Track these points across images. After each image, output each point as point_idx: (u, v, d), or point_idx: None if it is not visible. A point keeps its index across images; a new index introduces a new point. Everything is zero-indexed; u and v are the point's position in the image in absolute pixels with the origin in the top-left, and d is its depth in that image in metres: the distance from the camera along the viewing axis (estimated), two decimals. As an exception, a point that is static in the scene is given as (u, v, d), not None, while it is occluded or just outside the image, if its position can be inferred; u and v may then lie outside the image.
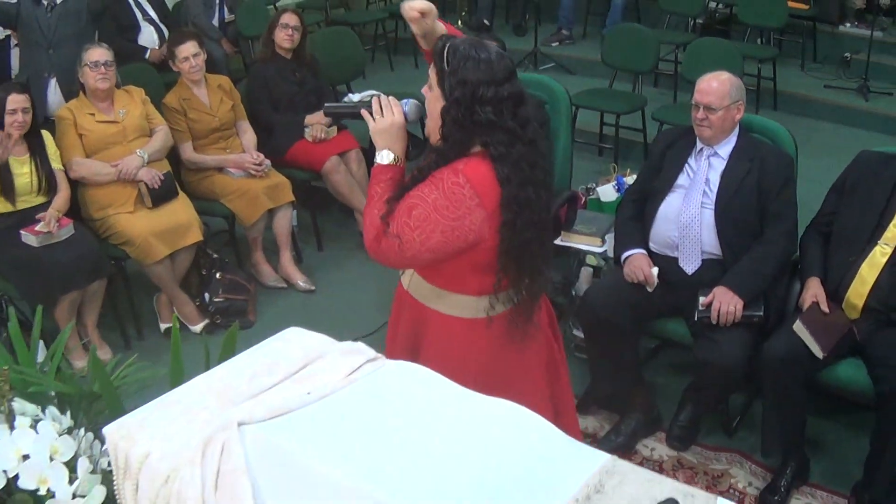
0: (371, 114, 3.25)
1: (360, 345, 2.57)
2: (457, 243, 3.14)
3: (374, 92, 8.04)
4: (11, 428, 2.62)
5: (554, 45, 10.78)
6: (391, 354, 2.69)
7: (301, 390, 2.32)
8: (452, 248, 3.15)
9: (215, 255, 6.55)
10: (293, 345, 2.59)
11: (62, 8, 7.18)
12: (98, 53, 6.19)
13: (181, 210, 6.28)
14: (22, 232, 5.73)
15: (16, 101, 5.78)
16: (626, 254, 5.06)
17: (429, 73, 3.22)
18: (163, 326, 6.41)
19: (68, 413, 2.80)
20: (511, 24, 11.74)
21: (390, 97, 3.29)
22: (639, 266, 4.93)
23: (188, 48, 6.60)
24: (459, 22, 11.96)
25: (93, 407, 2.99)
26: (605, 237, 5.60)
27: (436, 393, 2.36)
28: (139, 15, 8.95)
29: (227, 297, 6.32)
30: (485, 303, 3.35)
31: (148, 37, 8.94)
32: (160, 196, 6.19)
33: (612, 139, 8.33)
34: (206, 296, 6.41)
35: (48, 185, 5.95)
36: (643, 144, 8.28)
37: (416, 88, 8.52)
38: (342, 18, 11.41)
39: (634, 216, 5.17)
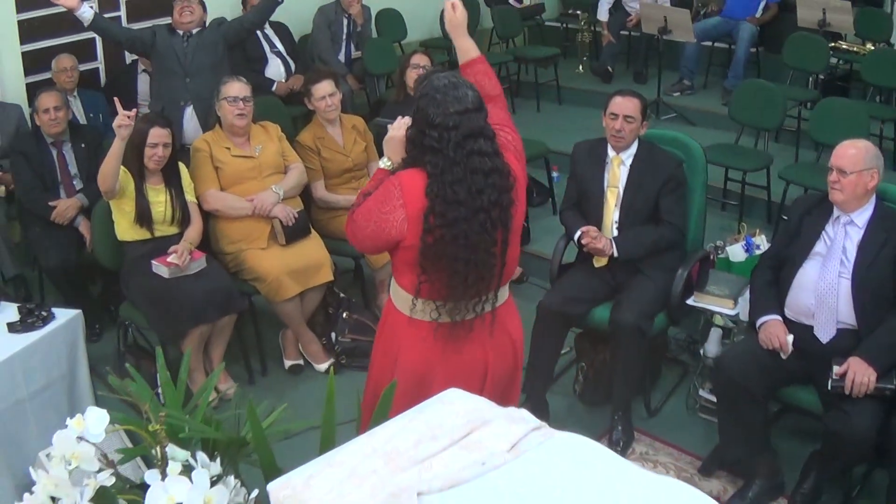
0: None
1: (524, 412, 2.56)
2: (383, 235, 3.63)
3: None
4: (163, 474, 2.60)
5: (675, 94, 10.65)
6: None
7: (472, 459, 2.28)
8: (382, 240, 3.66)
9: (343, 295, 6.52)
10: (455, 408, 2.55)
11: (198, 38, 7.23)
12: (237, 88, 6.25)
13: (313, 249, 6.27)
14: (154, 262, 5.76)
15: (158, 135, 5.84)
16: (762, 319, 4.99)
17: None
18: (287, 363, 6.40)
19: (217, 459, 2.76)
20: (632, 70, 11.61)
21: (405, 118, 3.72)
22: (775, 333, 4.85)
23: (325, 87, 6.59)
24: (581, 67, 11.94)
25: (240, 452, 2.96)
26: (737, 299, 5.50)
27: (604, 469, 2.32)
28: (267, 47, 9.03)
29: (353, 338, 6.30)
30: (409, 300, 3.78)
31: (275, 69, 9.03)
32: (294, 234, 6.19)
33: (737, 195, 8.17)
34: (333, 335, 6.38)
35: (182, 216, 6.00)
36: (766, 202, 8.13)
37: (536, 133, 8.50)
38: (465, 60, 11.27)
39: (771, 281, 5.10)
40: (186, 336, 5.76)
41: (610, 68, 11.41)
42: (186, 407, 3.10)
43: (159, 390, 5.43)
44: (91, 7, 6.97)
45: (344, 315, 6.39)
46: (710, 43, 11.05)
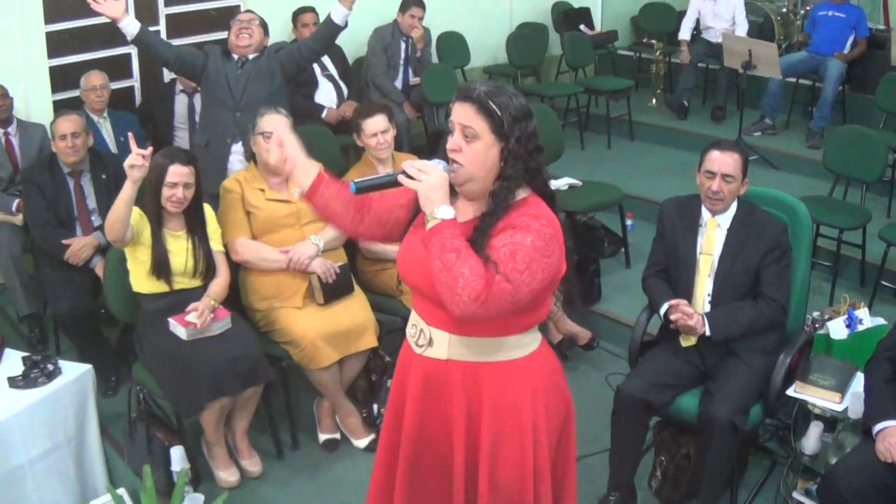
0: (408, 178, 3.20)
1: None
2: (549, 281, 3.25)
3: (571, 180, 7.38)
4: None
5: (756, 134, 10.10)
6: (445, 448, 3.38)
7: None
8: (546, 286, 3.27)
9: (388, 359, 5.84)
10: None
11: (254, 65, 6.67)
12: (273, 122, 5.61)
13: (356, 309, 5.66)
14: (170, 321, 5.16)
15: (178, 173, 5.21)
16: (880, 426, 4.34)
17: (460, 125, 3.25)
18: (322, 437, 5.78)
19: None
20: (710, 106, 11.06)
21: (422, 161, 3.28)
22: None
23: (377, 123, 5.94)
24: (654, 100, 11.49)
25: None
26: (845, 392, 4.85)
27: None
28: (318, 70, 8.62)
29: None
30: (535, 332, 3.49)
31: (326, 94, 8.65)
32: (333, 292, 5.60)
33: (830, 255, 7.48)
34: (375, 407, 5.78)
35: (205, 267, 5.39)
36: (860, 262, 7.47)
37: (608, 173, 7.89)
38: (532, 89, 10.91)
39: (890, 378, 4.48)
40: (206, 408, 5.16)
41: (686, 102, 10.95)
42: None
43: (174, 469, 4.89)
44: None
45: (389, 384, 5.65)
46: (793, 80, 10.55)
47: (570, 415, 3.58)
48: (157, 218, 5.29)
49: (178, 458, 5.02)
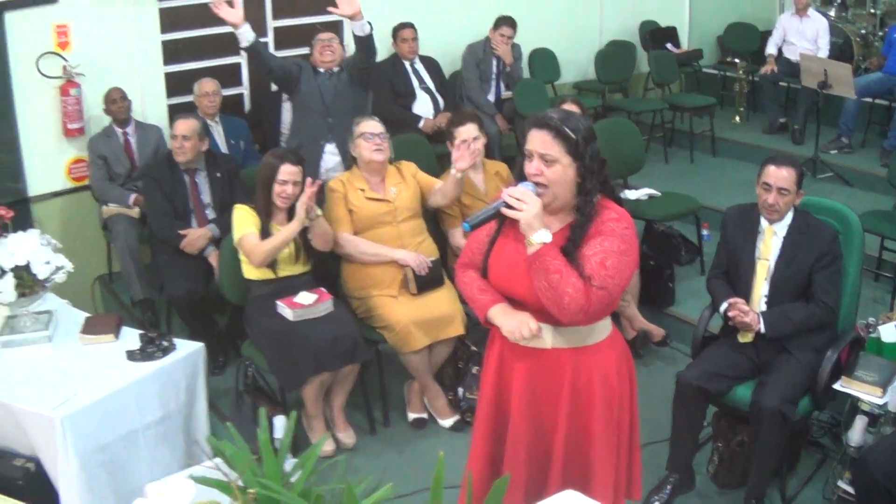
0: (510, 209, 3.55)
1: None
2: (632, 273, 3.75)
3: (651, 191, 7.71)
4: None
5: (832, 152, 10.26)
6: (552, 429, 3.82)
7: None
8: (630, 280, 3.81)
9: (474, 349, 6.24)
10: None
11: (339, 77, 7.20)
12: (371, 125, 6.11)
13: (445, 300, 6.05)
14: (278, 303, 5.62)
15: (289, 172, 5.71)
16: None
17: (538, 152, 3.60)
18: (411, 416, 6.18)
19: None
20: (791, 125, 11.18)
21: (517, 187, 3.60)
22: None
23: (468, 130, 6.30)
24: (737, 118, 11.66)
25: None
26: (888, 388, 5.11)
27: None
28: (416, 82, 8.95)
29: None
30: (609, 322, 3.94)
31: (423, 105, 8.97)
32: (426, 283, 6.00)
33: (892, 267, 7.70)
34: (460, 391, 6.17)
35: (307, 255, 5.86)
36: (922, 274, 7.67)
37: (688, 186, 8.21)
38: (619, 104, 11.17)
39: None
40: (307, 383, 5.60)
41: (782, 120, 11.18)
42: (288, 473, 2.86)
43: (276, 436, 5.33)
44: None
45: (474, 370, 6.14)
46: (869, 100, 10.65)
47: (635, 381, 4.01)
48: (266, 212, 5.78)
49: (280, 427, 5.44)
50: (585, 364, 3.80)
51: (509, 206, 3.54)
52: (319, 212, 5.88)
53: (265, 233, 5.78)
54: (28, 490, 5.29)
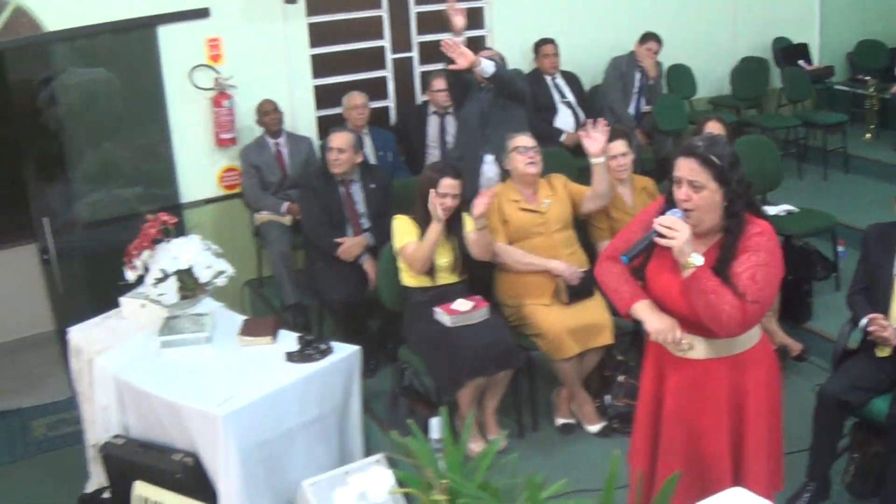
0: (661, 237, 3.75)
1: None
2: (779, 283, 3.92)
3: (789, 207, 7.73)
4: None
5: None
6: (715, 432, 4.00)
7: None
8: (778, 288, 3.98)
9: (620, 358, 6.39)
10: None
11: (494, 93, 7.28)
12: (525, 140, 6.30)
13: (595, 310, 6.18)
14: (436, 309, 5.79)
15: (449, 185, 5.90)
16: None
17: (686, 179, 3.80)
18: (558, 421, 6.31)
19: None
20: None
21: (666, 216, 3.79)
22: None
23: (617, 146, 6.51)
24: (868, 135, 11.51)
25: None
26: None
27: None
28: (557, 97, 9.06)
29: (627, 403, 6.15)
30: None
31: (564, 119, 9.10)
32: (577, 293, 6.14)
33: None
34: (607, 398, 6.28)
35: (464, 265, 6.02)
36: None
37: (822, 203, 8.22)
38: (754, 120, 11.18)
39: None
40: (463, 386, 5.76)
41: None
42: (465, 467, 3.02)
43: (433, 437, 5.48)
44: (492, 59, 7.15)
45: (620, 379, 6.27)
46: None
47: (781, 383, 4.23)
48: (425, 223, 5.97)
49: (436, 427, 5.59)
50: (740, 371, 4.00)
51: (661, 235, 3.74)
52: (486, 222, 6.02)
53: None
54: (186, 484, 5.49)
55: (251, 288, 8.51)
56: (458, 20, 6.95)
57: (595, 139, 6.06)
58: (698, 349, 4.00)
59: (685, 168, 3.80)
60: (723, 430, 4.01)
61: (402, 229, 6.03)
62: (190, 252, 5.86)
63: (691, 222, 3.79)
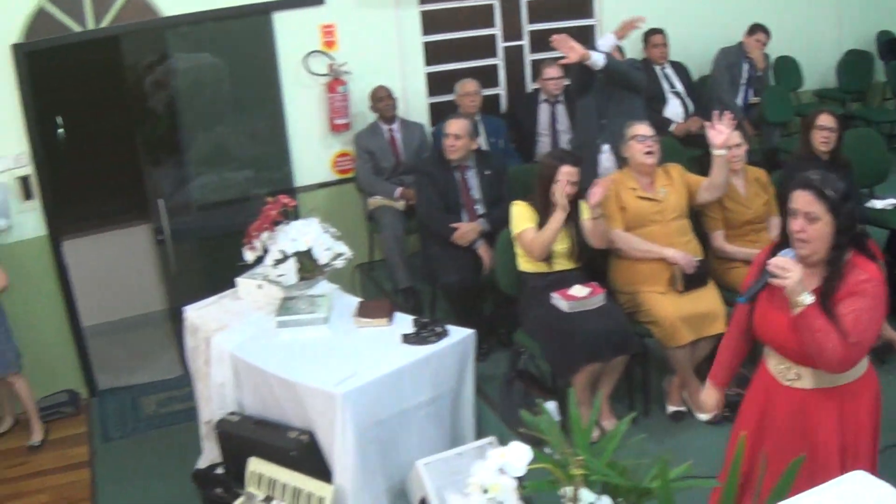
0: (775, 277, 3.89)
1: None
2: (883, 321, 4.18)
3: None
4: None
5: None
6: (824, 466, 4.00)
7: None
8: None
9: (731, 348, 6.33)
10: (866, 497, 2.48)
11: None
12: (643, 128, 6.33)
13: (709, 298, 6.20)
14: (554, 294, 5.85)
15: (567, 172, 5.98)
16: None
17: (803, 211, 3.93)
18: (669, 408, 6.34)
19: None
20: None
21: (779, 257, 3.95)
22: None
23: (732, 137, 6.44)
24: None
25: (639, 500, 2.92)
26: None
27: None
28: (667, 86, 9.03)
29: (737, 392, 6.12)
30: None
31: (673, 109, 9.06)
32: (692, 281, 6.16)
33: None
34: (718, 388, 6.24)
35: (580, 251, 6.04)
36: None
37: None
38: (859, 113, 11.09)
39: None
40: (579, 371, 5.80)
41: None
42: (593, 448, 3.07)
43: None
44: (602, 52, 7.20)
45: (731, 369, 6.24)
46: None
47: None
48: (544, 209, 6.04)
49: (552, 411, 5.63)
50: (846, 401, 4.12)
51: (773, 276, 3.88)
52: (602, 211, 6.05)
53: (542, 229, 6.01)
54: (301, 461, 5.59)
55: (362, 272, 8.62)
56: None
57: (720, 131, 6.07)
58: (805, 379, 4.13)
59: (801, 200, 3.95)
60: (832, 457, 4.12)
61: (521, 215, 6.10)
62: (309, 234, 5.96)
63: (804, 254, 3.97)
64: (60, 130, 9.19)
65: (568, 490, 2.78)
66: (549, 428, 3.08)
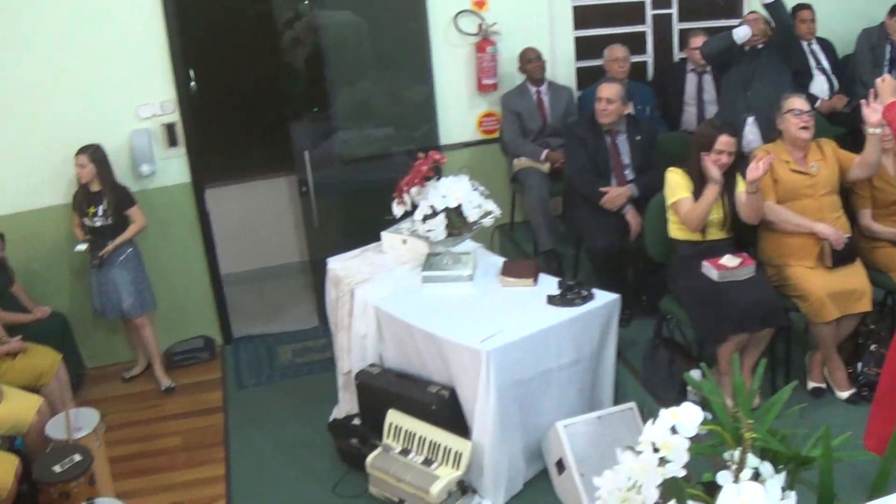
0: None
1: None
2: None
3: None
4: (737, 478, 2.60)
5: None
6: None
7: None
8: None
9: (873, 327, 6.32)
10: None
11: (760, 54, 7.35)
12: (799, 102, 6.24)
13: (856, 276, 6.13)
14: (705, 263, 5.84)
15: (726, 142, 5.97)
16: None
17: None
18: (810, 384, 6.29)
19: (783, 472, 2.74)
20: None
21: None
22: None
23: None
24: None
25: (798, 469, 2.91)
26: None
27: None
28: (813, 63, 8.90)
29: (877, 372, 6.08)
30: None
31: (819, 86, 8.93)
32: (841, 258, 6.08)
33: None
34: (859, 365, 6.23)
35: (732, 222, 6.02)
36: None
37: None
38: None
39: None
40: (726, 341, 5.78)
41: None
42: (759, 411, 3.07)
43: (690, 390, 5.52)
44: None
45: (872, 347, 6.21)
46: None
47: None
48: (699, 178, 6.03)
49: (696, 380, 5.59)
50: None
51: None
52: (758, 186, 5.98)
53: (697, 198, 6.01)
54: (440, 415, 5.68)
55: (502, 233, 8.67)
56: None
57: (875, 109, 5.98)
58: None
59: None
60: None
61: (676, 183, 6.08)
62: (460, 191, 6.01)
63: None
64: (192, 84, 9.32)
65: (734, 454, 2.78)
66: (713, 392, 3.08)
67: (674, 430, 2.73)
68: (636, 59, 8.82)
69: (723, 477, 2.67)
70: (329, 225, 8.44)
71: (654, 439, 2.72)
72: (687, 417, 2.76)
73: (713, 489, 2.72)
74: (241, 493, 6.42)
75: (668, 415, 2.76)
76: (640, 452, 2.75)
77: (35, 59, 7.47)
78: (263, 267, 10.05)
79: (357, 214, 8.29)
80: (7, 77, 7.45)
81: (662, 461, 2.69)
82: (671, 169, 6.17)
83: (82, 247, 7.47)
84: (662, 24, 9.20)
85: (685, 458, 2.70)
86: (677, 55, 9.09)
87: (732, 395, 3.19)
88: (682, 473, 2.72)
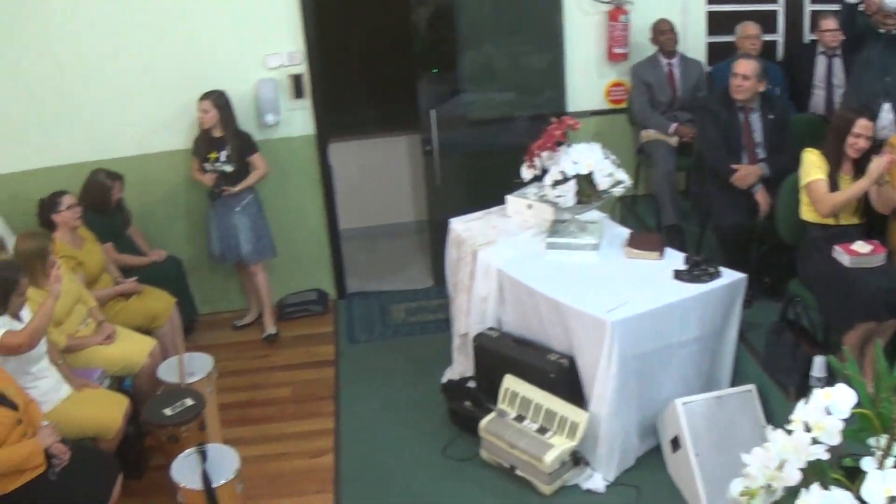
0: None
1: None
2: None
3: None
4: (882, 464, 2.60)
5: None
6: None
7: None
8: None
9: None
10: None
11: None
12: None
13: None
14: (836, 248, 5.77)
15: (864, 126, 5.87)
16: None
17: None
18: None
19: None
20: None
21: None
22: None
23: None
24: None
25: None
26: None
27: None
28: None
29: None
30: None
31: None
32: None
33: None
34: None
35: (865, 207, 5.93)
36: None
37: None
38: None
39: None
40: (854, 328, 5.68)
41: None
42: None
43: (814, 375, 5.46)
44: None
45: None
46: None
47: None
48: (835, 161, 5.93)
49: (819, 367, 5.54)
50: None
51: None
52: (887, 178, 5.86)
53: (832, 180, 5.91)
54: (557, 383, 5.69)
55: (624, 205, 8.61)
56: None
57: None
58: None
59: None
60: None
61: (813, 164, 6.00)
62: (592, 158, 5.99)
63: None
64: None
65: (881, 439, 2.77)
66: (857, 376, 3.06)
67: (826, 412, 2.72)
68: (768, 37, 8.71)
69: (867, 463, 2.66)
70: (450, 186, 8.45)
71: (808, 419, 2.72)
72: (841, 398, 2.75)
73: (853, 475, 2.72)
74: (349, 448, 6.48)
75: (821, 395, 2.75)
76: (790, 432, 2.75)
77: (162, 1, 7.60)
78: (379, 224, 10.11)
79: (479, 177, 8.30)
80: (131, 18, 7.57)
81: (814, 442, 2.69)
82: (808, 149, 6.07)
83: (211, 176, 7.57)
84: (795, 4, 9.06)
85: (838, 439, 2.69)
86: (807, 36, 8.96)
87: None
88: (827, 456, 2.72)
